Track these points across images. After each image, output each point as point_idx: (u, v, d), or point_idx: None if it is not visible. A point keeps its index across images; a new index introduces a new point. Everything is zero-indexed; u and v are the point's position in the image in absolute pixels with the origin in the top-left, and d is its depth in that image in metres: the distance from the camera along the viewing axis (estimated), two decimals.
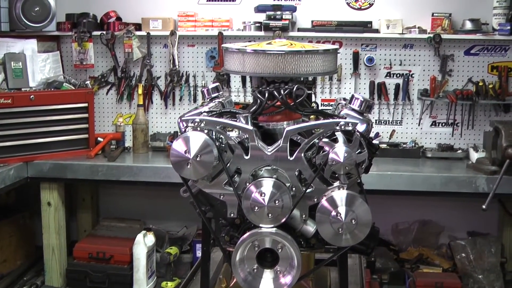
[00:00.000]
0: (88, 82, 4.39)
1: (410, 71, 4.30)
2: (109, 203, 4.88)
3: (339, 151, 1.63)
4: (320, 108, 4.12)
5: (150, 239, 4.04)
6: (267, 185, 1.66)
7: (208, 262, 2.02)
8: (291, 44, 1.97)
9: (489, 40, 4.18)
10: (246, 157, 1.70)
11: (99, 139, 4.34)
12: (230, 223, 1.83)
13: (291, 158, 1.68)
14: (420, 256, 4.31)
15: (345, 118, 1.81)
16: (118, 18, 4.54)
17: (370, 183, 3.66)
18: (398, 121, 4.36)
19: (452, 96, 4.12)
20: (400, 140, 4.35)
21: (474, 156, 3.95)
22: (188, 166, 1.67)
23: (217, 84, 2.20)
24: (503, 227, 4.25)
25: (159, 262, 4.11)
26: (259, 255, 1.73)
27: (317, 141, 1.70)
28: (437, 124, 4.34)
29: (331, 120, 1.69)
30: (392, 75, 4.33)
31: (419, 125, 4.33)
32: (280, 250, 1.70)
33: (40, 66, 4.36)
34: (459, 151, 4.17)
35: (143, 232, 4.02)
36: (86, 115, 4.20)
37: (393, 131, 4.35)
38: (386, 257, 4.29)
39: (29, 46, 4.35)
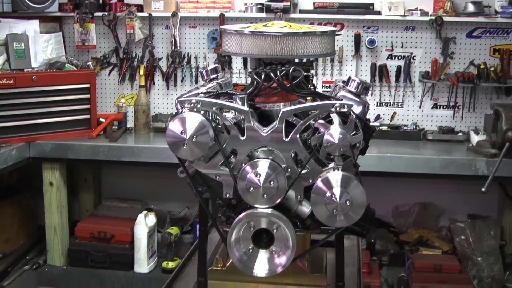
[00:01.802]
0: (90, 63, 4.40)
1: (411, 53, 4.29)
2: (111, 183, 4.92)
3: (334, 133, 1.63)
4: (320, 90, 4.14)
5: (151, 219, 4.08)
6: (263, 166, 1.67)
7: (206, 243, 2.04)
8: (289, 26, 1.97)
9: (491, 22, 4.15)
10: (242, 138, 1.71)
11: (101, 119, 4.35)
12: (226, 204, 1.85)
13: (286, 139, 1.69)
14: (420, 238, 4.33)
15: (341, 100, 1.81)
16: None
17: (370, 165, 3.71)
18: (400, 104, 4.36)
19: (454, 79, 4.11)
20: (402, 122, 4.36)
21: (475, 139, 3.96)
22: (184, 147, 1.68)
23: (216, 65, 2.19)
24: (503, 210, 4.27)
25: (160, 242, 4.15)
26: (254, 236, 1.74)
27: (313, 122, 1.71)
28: (438, 106, 4.33)
29: (326, 101, 1.70)
30: (393, 57, 4.32)
31: (420, 107, 4.33)
32: (275, 230, 1.72)
33: (43, 47, 4.37)
34: (460, 134, 4.17)
35: (144, 212, 4.06)
36: (88, 95, 4.21)
37: (394, 113, 4.35)
38: (386, 239, 4.33)
39: (31, 27, 4.35)
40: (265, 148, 1.73)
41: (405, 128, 4.26)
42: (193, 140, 1.67)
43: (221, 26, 2.00)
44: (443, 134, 4.16)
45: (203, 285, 1.98)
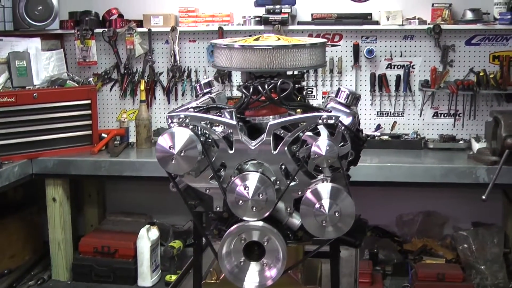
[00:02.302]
0: (91, 79, 4.44)
1: (411, 62, 4.29)
2: (115, 198, 4.94)
3: (321, 144, 1.64)
4: (320, 101, 4.14)
5: (154, 233, 4.09)
6: (251, 179, 1.68)
7: (201, 256, 2.05)
8: (278, 39, 1.99)
9: (490, 29, 4.16)
10: (231, 152, 1.73)
11: (103, 135, 4.38)
12: (218, 217, 1.86)
13: (274, 152, 1.70)
14: (424, 247, 4.31)
15: (330, 111, 1.82)
16: (120, 15, 4.58)
17: (370, 175, 3.71)
18: (400, 113, 4.36)
19: (453, 86, 4.11)
20: (402, 131, 4.35)
21: (476, 146, 3.95)
22: (173, 162, 1.70)
23: (210, 79, 2.22)
24: (507, 217, 4.24)
25: (163, 255, 4.16)
26: (246, 248, 1.75)
27: (301, 134, 1.72)
28: (439, 115, 4.33)
29: (313, 113, 1.71)
30: (393, 67, 4.32)
31: (420, 116, 4.32)
32: (266, 243, 1.73)
33: (44, 64, 4.42)
34: (461, 142, 4.16)
35: (147, 226, 4.08)
36: (89, 111, 4.25)
37: (395, 122, 4.35)
38: (390, 249, 4.31)
39: (33, 45, 4.41)
40: (255, 161, 1.74)
41: (406, 137, 4.25)
42: (182, 154, 1.69)
43: (212, 41, 2.02)
44: (444, 143, 4.16)
45: None
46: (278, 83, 1.78)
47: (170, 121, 1.76)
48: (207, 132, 1.76)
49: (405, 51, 4.29)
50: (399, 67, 4.31)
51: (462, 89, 4.11)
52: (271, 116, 1.84)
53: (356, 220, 1.99)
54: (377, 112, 4.37)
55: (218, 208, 1.78)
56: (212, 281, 1.95)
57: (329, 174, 1.69)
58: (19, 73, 4.20)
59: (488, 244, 3.89)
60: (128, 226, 4.48)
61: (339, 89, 1.93)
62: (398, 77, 4.29)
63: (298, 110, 1.87)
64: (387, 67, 4.33)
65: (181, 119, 1.73)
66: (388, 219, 4.57)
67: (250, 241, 1.74)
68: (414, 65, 4.29)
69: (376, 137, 4.26)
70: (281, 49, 1.87)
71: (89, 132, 4.27)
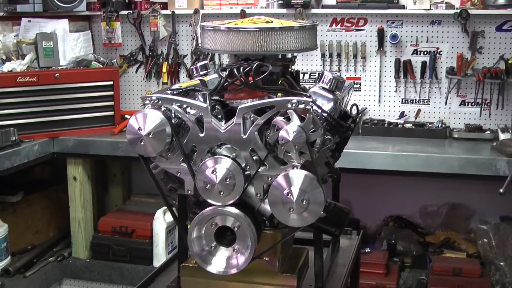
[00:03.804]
0: (114, 60, 4.48)
1: (437, 48, 4.13)
2: (141, 178, 4.99)
3: (289, 129, 1.59)
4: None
5: None
6: (220, 163, 1.66)
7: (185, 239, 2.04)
8: (268, 22, 1.94)
9: None
10: (201, 135, 1.70)
11: (126, 116, 4.42)
12: (196, 200, 1.84)
13: (244, 137, 1.67)
14: (446, 240, 4.19)
15: (309, 96, 1.77)
16: None
17: (384, 164, 3.62)
18: (425, 100, 4.22)
19: (480, 74, 3.94)
20: (427, 120, 4.21)
21: (502, 137, 3.78)
22: (141, 143, 1.69)
23: (206, 62, 2.19)
24: None
25: None
26: (219, 233, 1.73)
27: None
28: (466, 103, 4.17)
29: (282, 98, 1.66)
30: (418, 53, 4.17)
31: (446, 104, 4.17)
32: (236, 228, 1.70)
33: (71, 45, 4.49)
34: (487, 132, 3.99)
35: (163, 208, 4.10)
36: (111, 92, 4.28)
37: (419, 110, 4.21)
38: (410, 240, 4.20)
39: (60, 26, 4.48)
40: (229, 146, 1.71)
41: (430, 126, 4.11)
42: (150, 136, 1.68)
43: (200, 23, 1.99)
44: (470, 132, 3.99)
45: (177, 282, 1.99)
46: (254, 66, 1.73)
47: (142, 103, 1.75)
48: (180, 115, 1.74)
49: (432, 36, 4.13)
50: (425, 53, 4.16)
51: (490, 77, 3.93)
52: (249, 100, 1.81)
53: (338, 209, 1.96)
54: (402, 99, 4.24)
55: (189, 192, 1.77)
56: (191, 265, 1.93)
57: (300, 160, 1.64)
58: (45, 54, 4.28)
59: (510, 240, 3.74)
60: (149, 207, 4.50)
61: (322, 73, 1.88)
62: (423, 64, 4.14)
63: (279, 94, 1.82)
64: (412, 53, 4.18)
65: (153, 101, 1.72)
66: (412, 210, 4.46)
67: (222, 226, 1.73)
68: (441, 51, 4.13)
69: (400, 125, 4.14)
70: (264, 31, 1.82)
71: (111, 113, 4.31)
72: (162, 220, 4.05)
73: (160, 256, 4.06)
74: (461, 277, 3.55)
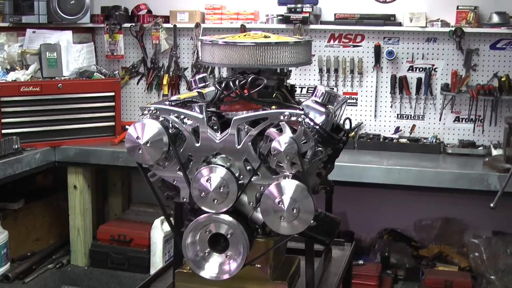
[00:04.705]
0: (116, 72, 4.57)
1: (433, 65, 4.22)
2: (141, 188, 5.06)
3: (281, 140, 1.67)
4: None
5: None
6: (214, 172, 1.73)
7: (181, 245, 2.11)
8: (266, 36, 2.02)
9: None
10: (197, 145, 1.78)
11: (127, 127, 4.48)
12: (191, 208, 1.91)
13: (238, 147, 1.74)
14: (439, 253, 4.24)
15: (302, 109, 1.84)
16: (149, 11, 4.69)
17: (377, 177, 3.69)
18: (420, 116, 4.30)
19: (474, 91, 4.02)
20: (422, 135, 4.29)
21: (494, 153, 3.85)
22: (140, 152, 1.77)
23: (204, 74, 2.27)
24: None
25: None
26: (213, 240, 1.80)
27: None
28: (460, 119, 4.25)
29: (275, 110, 1.74)
30: (414, 69, 4.27)
31: (440, 120, 4.25)
32: (230, 235, 1.77)
33: (75, 57, 4.58)
34: (480, 148, 4.07)
35: (161, 217, 4.16)
36: (112, 103, 4.38)
37: (414, 125, 4.29)
38: (403, 253, 4.26)
39: (64, 37, 4.58)
40: (224, 155, 1.79)
41: (424, 141, 4.19)
42: (148, 145, 1.75)
43: (200, 37, 2.07)
44: (463, 148, 4.07)
45: (171, 287, 2.05)
46: (249, 80, 1.81)
47: (141, 112, 1.83)
48: (177, 125, 1.82)
49: (427, 53, 4.23)
50: (420, 69, 4.25)
51: (483, 94, 4.01)
52: (244, 112, 1.88)
53: (328, 219, 2.03)
54: (397, 114, 4.33)
55: (184, 199, 1.84)
56: (185, 271, 2.00)
57: (291, 170, 1.71)
58: (49, 64, 4.37)
59: (501, 254, 3.79)
60: (148, 217, 4.57)
61: (316, 87, 1.95)
62: (419, 80, 4.23)
63: (273, 107, 1.90)
64: (408, 69, 4.27)
65: (151, 111, 1.80)
66: (406, 223, 4.52)
67: (216, 232, 1.80)
68: (437, 68, 4.22)
69: (395, 140, 4.22)
70: (260, 46, 1.90)
71: (112, 123, 4.39)
72: (159, 229, 4.11)
73: (157, 264, 4.11)
74: None
